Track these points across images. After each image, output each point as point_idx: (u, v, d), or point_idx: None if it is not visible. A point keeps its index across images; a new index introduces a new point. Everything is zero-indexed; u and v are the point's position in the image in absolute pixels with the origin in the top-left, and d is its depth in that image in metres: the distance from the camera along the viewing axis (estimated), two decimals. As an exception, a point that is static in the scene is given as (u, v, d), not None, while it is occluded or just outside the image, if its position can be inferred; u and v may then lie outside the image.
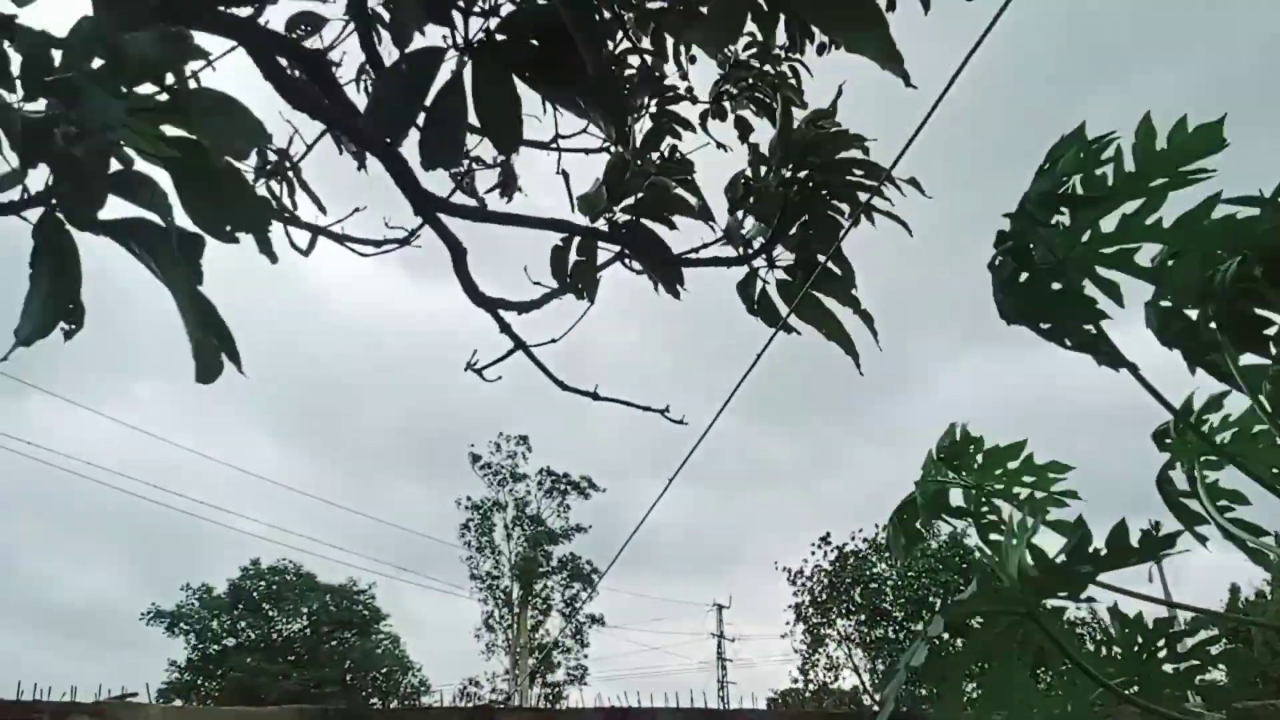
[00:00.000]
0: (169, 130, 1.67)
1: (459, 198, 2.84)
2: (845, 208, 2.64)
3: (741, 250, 2.70)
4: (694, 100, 3.62)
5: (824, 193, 2.60)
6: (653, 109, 3.43)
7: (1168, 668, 1.16)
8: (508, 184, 3.05)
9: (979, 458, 1.46)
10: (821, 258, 2.53)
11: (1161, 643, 1.17)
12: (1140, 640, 1.17)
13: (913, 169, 2.80)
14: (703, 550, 58.36)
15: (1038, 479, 1.43)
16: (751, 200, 2.69)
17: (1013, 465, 1.44)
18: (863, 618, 23.88)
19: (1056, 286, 1.12)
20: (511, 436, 33.84)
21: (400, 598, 59.62)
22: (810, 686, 25.22)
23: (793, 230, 2.63)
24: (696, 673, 37.69)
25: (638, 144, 3.22)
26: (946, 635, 1.11)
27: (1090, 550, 1.02)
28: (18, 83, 1.68)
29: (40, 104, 1.72)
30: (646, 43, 3.15)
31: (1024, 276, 1.14)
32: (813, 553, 25.53)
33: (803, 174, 2.61)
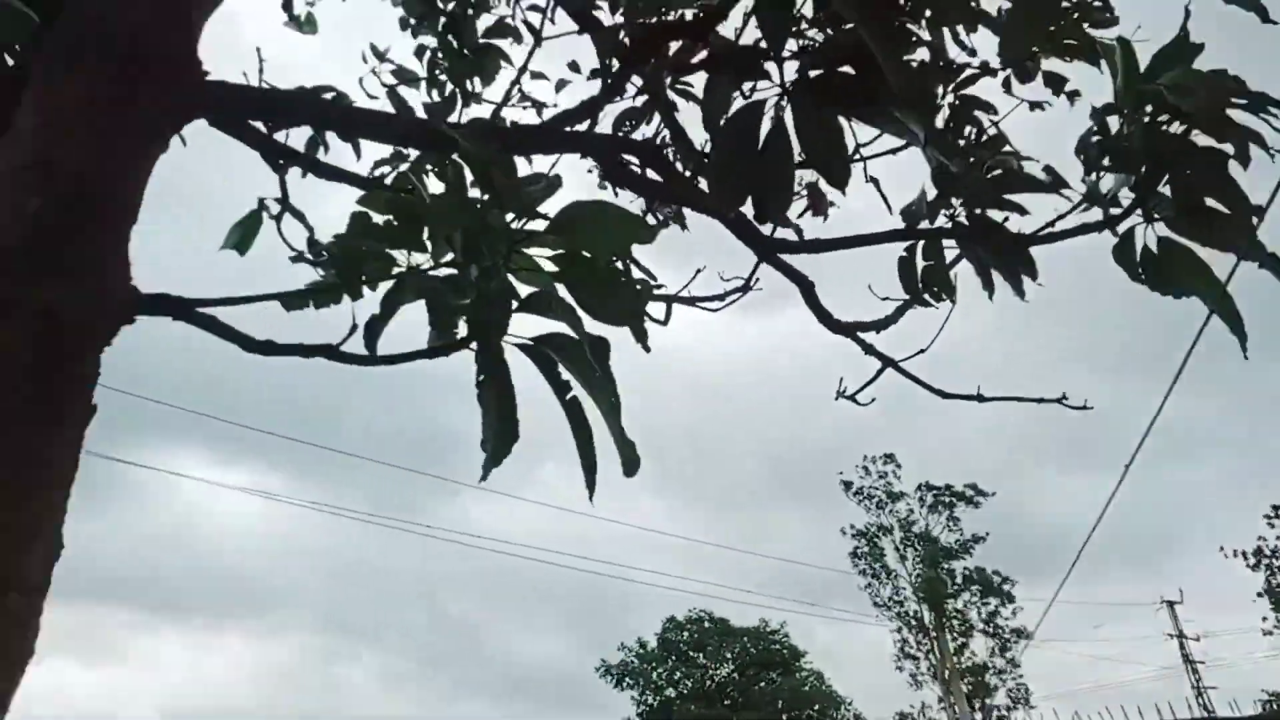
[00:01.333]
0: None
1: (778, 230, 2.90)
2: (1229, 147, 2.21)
3: (1107, 212, 2.39)
4: (991, 73, 3.35)
5: (1196, 137, 2.21)
6: (950, 98, 3.24)
7: None
8: (818, 205, 3.07)
9: None
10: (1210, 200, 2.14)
11: None
12: None
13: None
14: (1129, 543, 51.36)
15: None
16: (1107, 160, 2.38)
17: None
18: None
19: None
20: (877, 457, 32.82)
21: (810, 633, 59.99)
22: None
23: (1165, 179, 2.27)
24: (1155, 681, 32.73)
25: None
26: None
27: None
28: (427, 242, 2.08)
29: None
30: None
31: None
32: (1270, 525, 21.17)
33: (1165, 119, 2.25)
